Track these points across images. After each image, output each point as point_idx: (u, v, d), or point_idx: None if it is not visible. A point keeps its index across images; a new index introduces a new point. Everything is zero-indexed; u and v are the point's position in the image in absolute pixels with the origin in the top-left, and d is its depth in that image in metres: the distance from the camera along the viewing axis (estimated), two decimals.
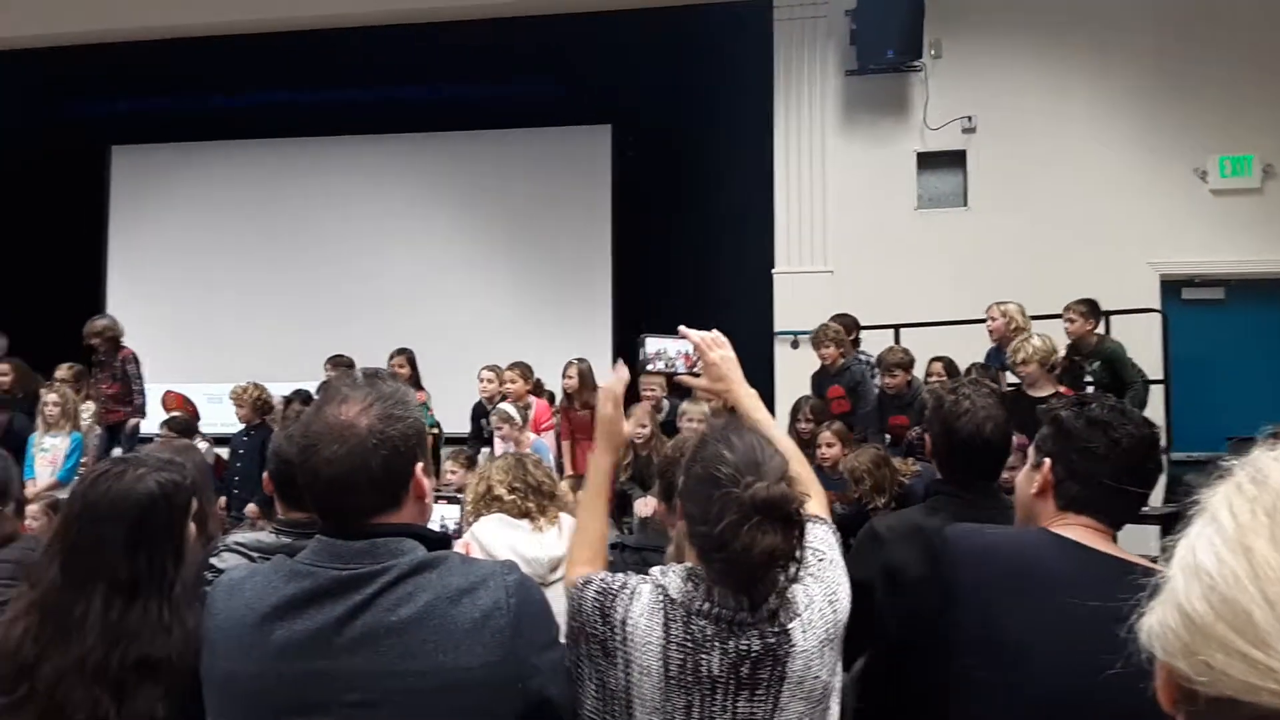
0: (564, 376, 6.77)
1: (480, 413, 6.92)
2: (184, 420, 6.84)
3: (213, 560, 2.14)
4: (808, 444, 5.48)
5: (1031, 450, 1.82)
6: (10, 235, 9.98)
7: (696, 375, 1.95)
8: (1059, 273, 6.65)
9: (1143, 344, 6.58)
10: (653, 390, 6.23)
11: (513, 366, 6.88)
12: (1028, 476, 1.80)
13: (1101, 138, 8.19)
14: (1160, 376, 7.15)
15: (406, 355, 7.35)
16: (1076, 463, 1.71)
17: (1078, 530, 1.67)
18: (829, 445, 5.59)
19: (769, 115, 8.78)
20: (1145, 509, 5.86)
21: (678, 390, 6.61)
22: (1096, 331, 6.37)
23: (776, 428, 1.93)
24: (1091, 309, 6.33)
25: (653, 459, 6.13)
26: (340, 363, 7.08)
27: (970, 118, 8.40)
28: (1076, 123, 8.22)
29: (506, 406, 6.17)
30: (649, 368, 1.97)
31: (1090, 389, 5.94)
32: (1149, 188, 8.08)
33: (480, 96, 9.76)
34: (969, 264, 7.82)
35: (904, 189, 8.56)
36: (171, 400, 7.56)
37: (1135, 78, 8.17)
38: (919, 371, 6.38)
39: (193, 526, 1.72)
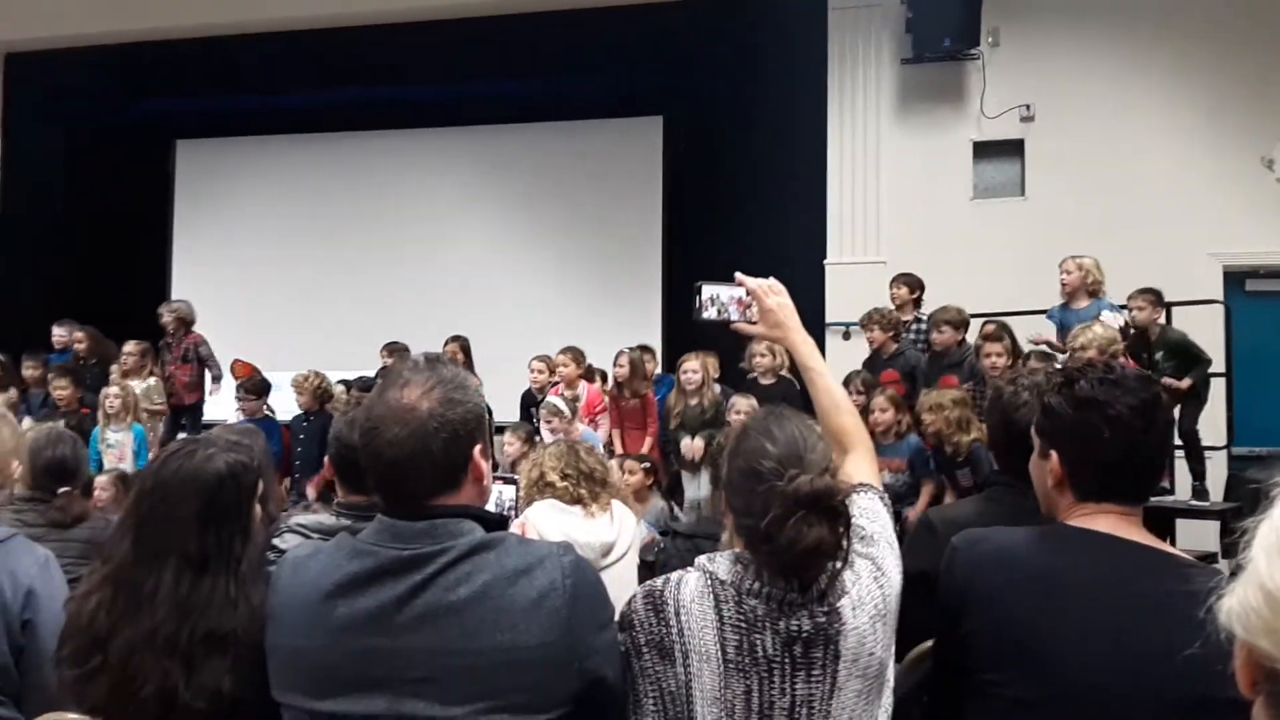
0: (615, 365, 6.80)
1: (529, 401, 6.99)
2: (258, 382, 7.05)
3: (274, 541, 2.20)
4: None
5: (1035, 437, 1.69)
6: (83, 225, 10.28)
7: (753, 323, 1.93)
8: (1119, 264, 6.50)
9: (1205, 336, 6.42)
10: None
11: (564, 351, 6.93)
12: (1040, 467, 1.67)
13: (1163, 126, 8.01)
14: (1222, 369, 6.99)
15: (460, 343, 7.46)
16: (1080, 451, 1.57)
17: (1101, 520, 1.55)
18: (882, 410, 5.53)
19: (822, 105, 8.71)
20: (1204, 503, 5.73)
21: (727, 380, 6.63)
22: (1159, 322, 6.26)
23: (831, 376, 1.92)
24: (1158, 298, 6.22)
25: (702, 406, 6.19)
26: (396, 349, 7.23)
27: (1028, 106, 8.26)
28: (1137, 111, 8.05)
29: (555, 399, 6.21)
30: (704, 315, 1.93)
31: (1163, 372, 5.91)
32: (1212, 177, 7.88)
33: (532, 90, 9.80)
34: (1026, 255, 7.68)
35: (959, 179, 8.45)
36: (240, 368, 7.73)
37: (1198, 65, 7.97)
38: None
39: (258, 507, 1.77)
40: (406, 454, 1.47)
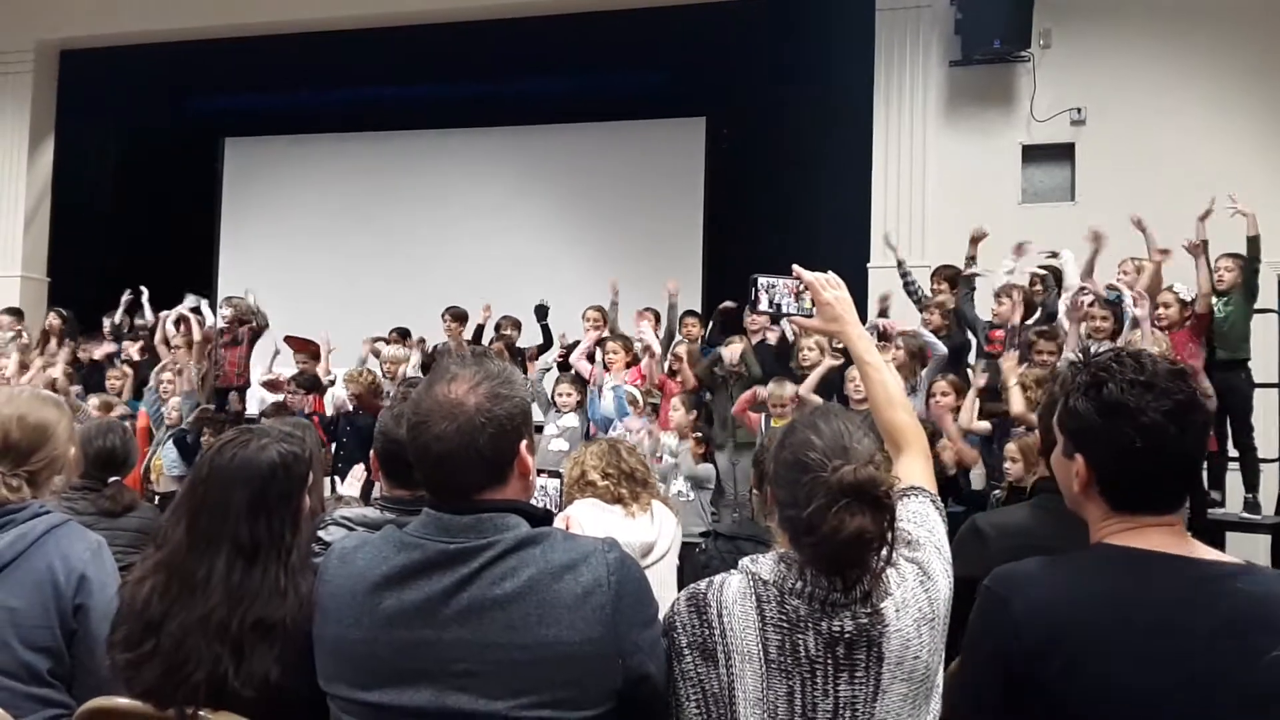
0: (672, 353, 6.95)
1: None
2: (310, 378, 7.18)
3: (320, 534, 2.22)
4: None
5: (1057, 431, 1.53)
6: (132, 220, 10.48)
7: (809, 315, 1.93)
8: (1171, 271, 6.39)
9: (1258, 345, 6.30)
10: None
11: (616, 338, 7.02)
12: (1064, 465, 1.52)
13: (1217, 131, 7.85)
14: (1275, 380, 6.84)
15: (504, 340, 7.54)
16: (1111, 461, 1.44)
17: (1147, 535, 1.43)
18: (944, 394, 5.51)
19: (868, 107, 8.64)
20: (1256, 516, 5.63)
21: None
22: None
23: (888, 371, 1.90)
24: (1237, 258, 6.21)
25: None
26: (458, 314, 7.91)
27: (1079, 109, 8.14)
28: (1191, 116, 7.90)
29: (632, 389, 6.36)
30: (760, 307, 1.95)
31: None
32: (1268, 184, 7.71)
33: (575, 90, 9.85)
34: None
35: (1008, 182, 8.35)
36: (295, 344, 7.84)
37: (1254, 69, 7.81)
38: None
39: (308, 498, 1.79)
40: (454, 448, 1.48)
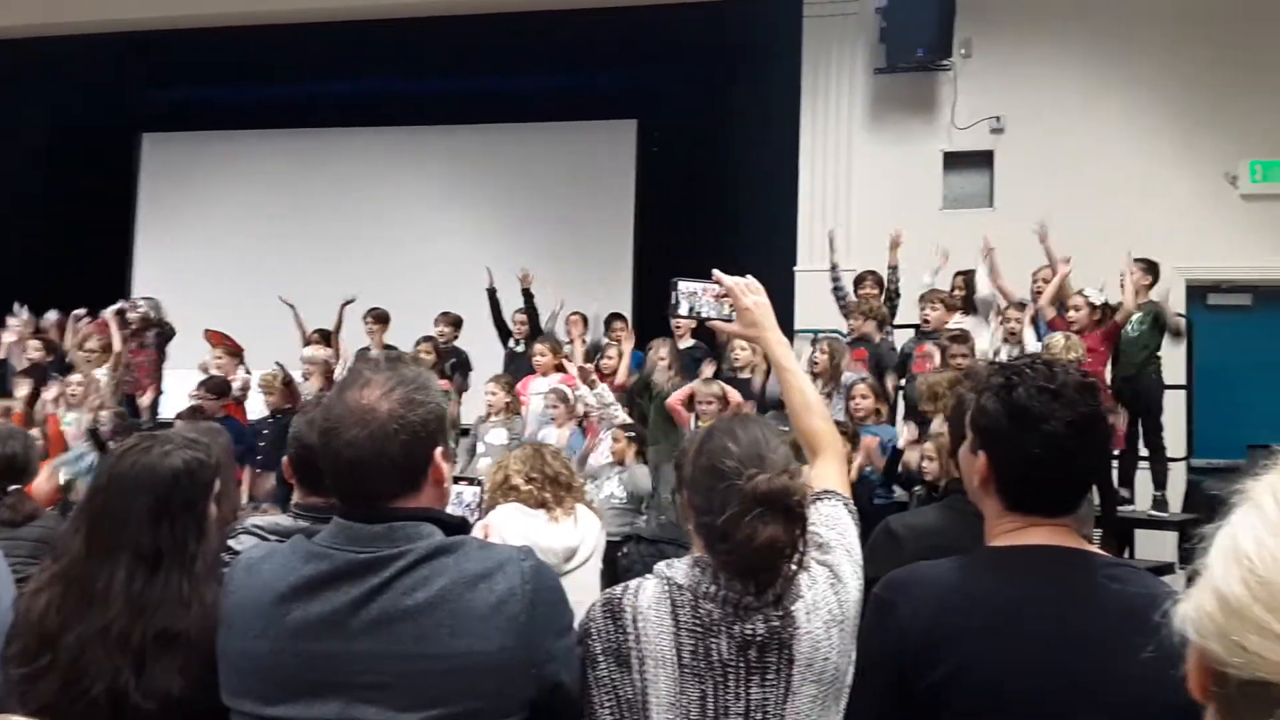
0: (604, 358, 6.96)
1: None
2: (219, 382, 6.96)
3: (230, 542, 2.16)
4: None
5: (968, 428, 1.56)
6: (49, 217, 10.13)
7: (729, 320, 1.93)
8: (1084, 275, 6.59)
9: (1168, 349, 6.52)
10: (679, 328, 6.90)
11: (542, 340, 7.03)
12: (969, 460, 1.56)
13: (1130, 141, 8.11)
14: (1183, 382, 7.09)
15: (433, 342, 7.45)
16: (1011, 462, 1.48)
17: (1034, 536, 1.47)
18: (863, 397, 5.66)
19: (795, 113, 8.75)
20: (1164, 514, 5.84)
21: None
22: (1151, 294, 6.41)
23: (805, 377, 1.93)
24: (1150, 267, 6.39)
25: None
26: (380, 316, 7.78)
27: (999, 118, 8.34)
28: (1106, 125, 8.15)
29: (564, 387, 6.38)
30: (680, 311, 1.93)
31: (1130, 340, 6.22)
32: (1178, 191, 8.00)
33: (507, 90, 9.79)
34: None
35: (930, 189, 8.52)
36: (214, 337, 7.62)
37: (1167, 81, 8.09)
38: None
39: (214, 506, 1.75)
40: (365, 455, 1.45)
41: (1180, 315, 6.56)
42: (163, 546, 1.64)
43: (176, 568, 1.64)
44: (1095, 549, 1.52)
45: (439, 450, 1.52)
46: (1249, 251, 7.85)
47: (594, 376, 6.09)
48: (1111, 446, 5.74)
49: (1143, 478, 6.40)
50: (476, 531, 2.72)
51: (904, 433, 5.41)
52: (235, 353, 7.40)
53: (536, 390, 6.81)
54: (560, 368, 6.95)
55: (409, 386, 1.50)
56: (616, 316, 7.98)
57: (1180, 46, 8.05)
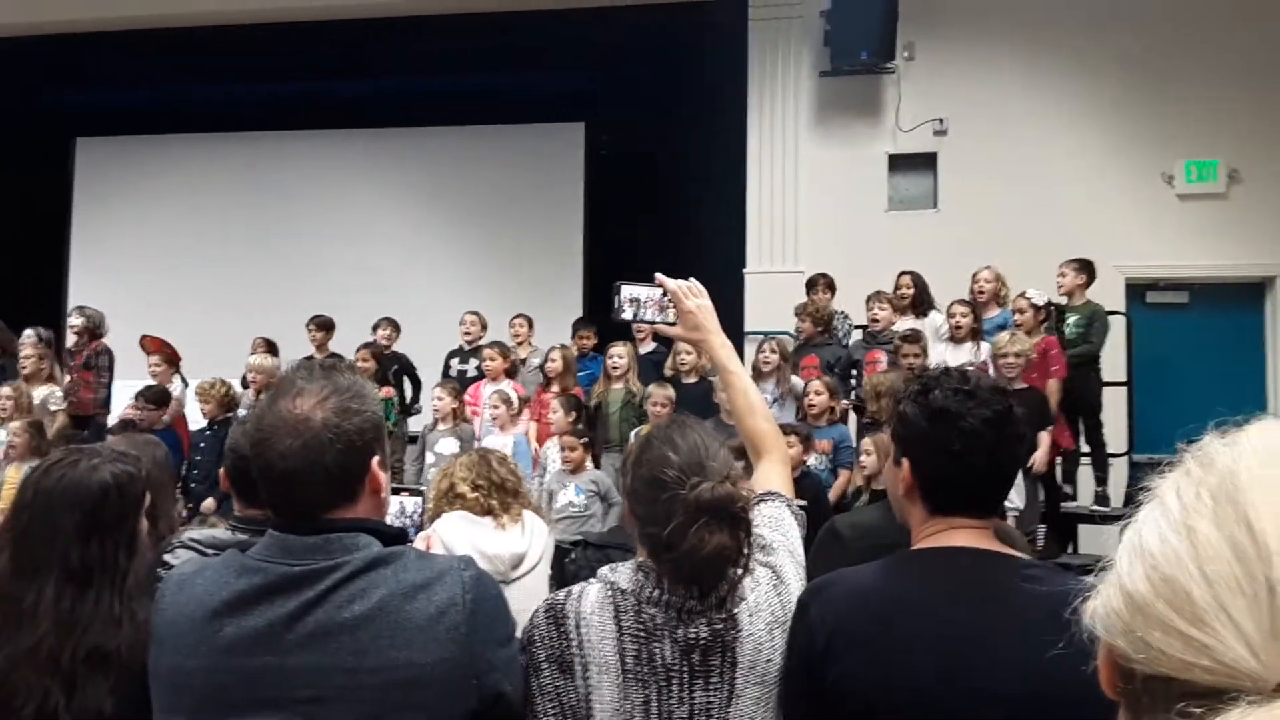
0: (549, 360, 6.83)
1: (454, 356, 7.48)
2: (159, 391, 6.79)
3: (166, 557, 2.11)
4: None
5: (891, 441, 1.65)
6: None
7: (672, 324, 1.92)
8: (1025, 275, 6.70)
9: (1107, 346, 6.65)
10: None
11: (492, 345, 6.95)
12: (893, 472, 1.62)
13: (1070, 142, 8.27)
14: (1124, 379, 7.23)
15: (370, 348, 7.32)
16: (931, 463, 1.53)
17: (953, 537, 1.52)
18: (817, 394, 5.72)
19: (742, 115, 8.80)
20: (1106, 509, 5.94)
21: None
22: (1086, 293, 6.55)
23: (749, 380, 1.94)
24: (1083, 266, 6.52)
25: (628, 390, 6.53)
26: (323, 324, 7.70)
27: (941, 120, 8.45)
28: (1046, 127, 8.30)
29: (506, 388, 6.38)
30: (623, 315, 1.92)
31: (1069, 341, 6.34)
32: (1116, 191, 8.16)
33: (453, 92, 9.72)
34: (938, 266, 7.85)
35: (875, 190, 8.61)
36: (151, 344, 7.39)
37: (1105, 83, 8.26)
38: None
39: (145, 521, 1.70)
40: (299, 466, 1.41)
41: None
42: (92, 564, 1.61)
43: (107, 585, 1.60)
44: (1015, 552, 1.56)
45: (376, 459, 1.49)
46: (1185, 250, 8.04)
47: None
48: (1026, 446, 5.86)
49: (1085, 474, 6.52)
50: (419, 542, 2.69)
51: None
52: (173, 360, 7.21)
53: (486, 397, 6.76)
54: (510, 373, 6.90)
55: (344, 395, 1.47)
56: (583, 323, 7.79)
57: (1118, 50, 8.22)
